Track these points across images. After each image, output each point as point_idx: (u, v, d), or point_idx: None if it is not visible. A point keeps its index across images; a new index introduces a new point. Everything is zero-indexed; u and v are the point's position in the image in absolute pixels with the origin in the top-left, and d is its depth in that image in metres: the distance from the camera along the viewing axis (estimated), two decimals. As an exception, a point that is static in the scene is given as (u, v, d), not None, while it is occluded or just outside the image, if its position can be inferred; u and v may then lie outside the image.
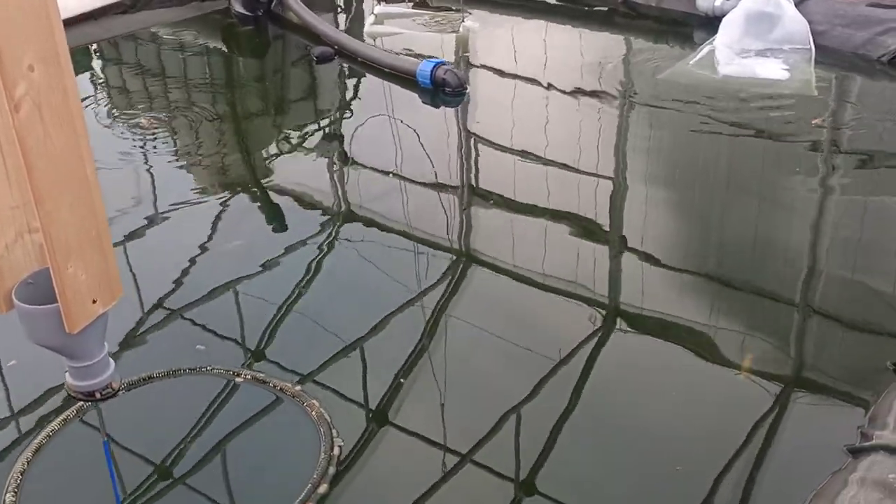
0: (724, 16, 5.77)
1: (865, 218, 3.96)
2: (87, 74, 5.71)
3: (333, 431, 2.56)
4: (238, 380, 2.78)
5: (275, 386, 2.74)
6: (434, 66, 5.12)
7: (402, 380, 2.90)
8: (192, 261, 3.67)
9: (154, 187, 4.33)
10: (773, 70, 5.40)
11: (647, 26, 6.34)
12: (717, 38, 5.68)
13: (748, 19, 5.64)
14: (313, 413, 2.61)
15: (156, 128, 4.79)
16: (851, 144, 4.56)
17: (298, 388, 2.74)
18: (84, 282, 1.85)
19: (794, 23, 5.64)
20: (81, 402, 2.47)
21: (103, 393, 1.94)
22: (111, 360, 1.96)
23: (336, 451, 2.49)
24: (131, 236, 3.86)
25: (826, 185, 4.20)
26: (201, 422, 2.65)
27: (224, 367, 2.83)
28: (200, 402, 2.71)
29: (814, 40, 5.57)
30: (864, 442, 2.37)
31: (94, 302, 1.88)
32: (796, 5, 5.69)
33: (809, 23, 5.62)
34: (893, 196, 4.09)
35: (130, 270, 3.63)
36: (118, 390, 1.98)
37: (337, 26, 6.48)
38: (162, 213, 4.07)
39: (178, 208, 4.08)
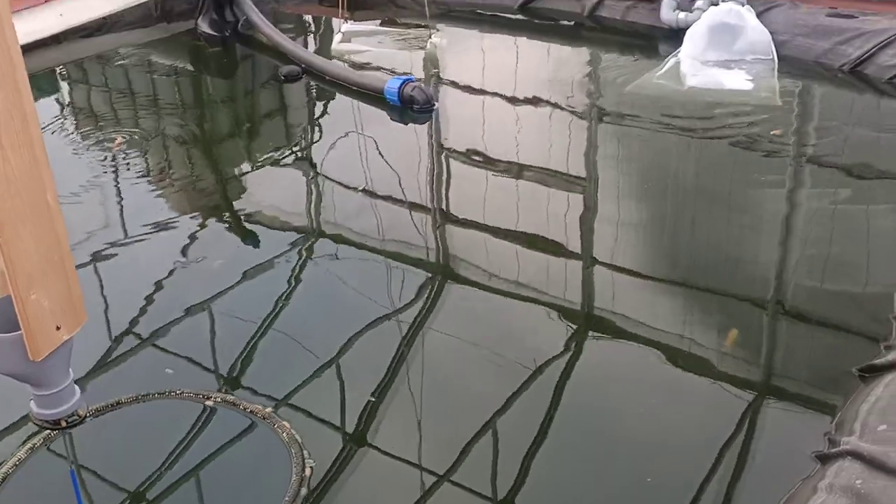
0: (688, 28, 5.84)
1: (833, 224, 4.02)
2: (54, 98, 5.67)
3: (305, 452, 2.55)
4: (208, 403, 2.76)
5: (245, 409, 2.73)
6: (401, 84, 5.13)
7: (371, 398, 2.89)
8: (165, 283, 3.65)
9: (123, 209, 4.31)
10: (737, 80, 5.47)
11: (613, 40, 6.40)
12: (681, 50, 5.75)
13: (712, 31, 5.71)
14: (284, 435, 2.60)
15: (125, 149, 4.77)
16: (817, 152, 4.62)
17: (269, 410, 2.73)
18: (47, 308, 1.83)
19: (757, 33, 5.71)
20: (49, 431, 2.44)
21: (69, 421, 1.92)
22: (77, 388, 1.95)
23: (308, 472, 2.47)
24: (101, 259, 3.83)
25: (793, 192, 4.26)
26: (171, 447, 2.63)
27: (194, 391, 2.82)
28: (170, 427, 2.69)
29: (776, 50, 5.64)
30: (832, 448, 2.39)
31: (58, 329, 1.86)
32: (758, 16, 5.78)
33: (771, 33, 5.70)
34: (859, 202, 4.15)
35: (102, 293, 3.61)
36: (85, 417, 1.97)
37: (305, 45, 6.48)
38: (132, 235, 4.05)
39: (149, 230, 4.06)
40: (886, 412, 2.41)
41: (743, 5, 5.81)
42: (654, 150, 4.82)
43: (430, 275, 3.71)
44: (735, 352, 3.18)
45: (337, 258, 3.87)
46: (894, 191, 4.28)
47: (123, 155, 4.78)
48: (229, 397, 2.79)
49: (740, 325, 3.37)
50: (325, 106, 5.58)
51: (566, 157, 4.70)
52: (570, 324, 3.37)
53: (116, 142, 4.75)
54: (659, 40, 6.12)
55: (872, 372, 2.74)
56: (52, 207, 1.84)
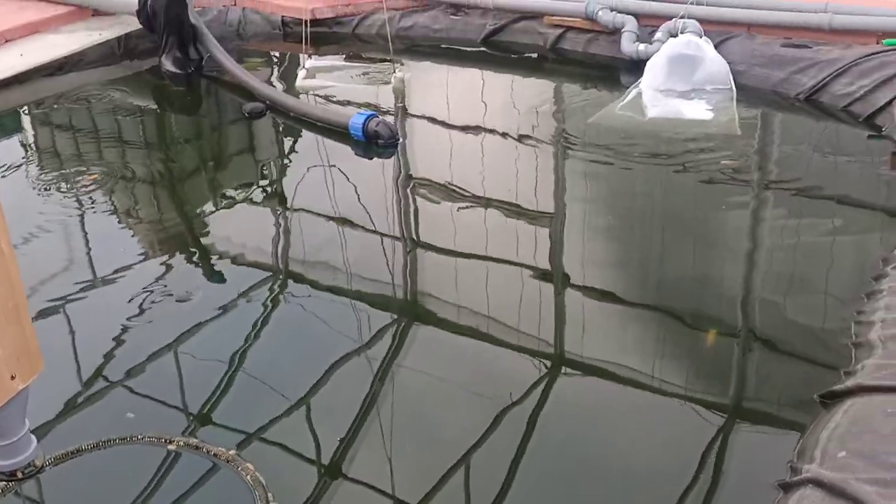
0: (648, 59, 5.93)
1: (797, 249, 4.08)
2: (17, 138, 5.63)
3: (269, 495, 2.53)
4: (170, 447, 2.74)
5: (208, 451, 2.70)
6: (366, 119, 5.16)
7: (339, 439, 2.88)
8: (132, 323, 3.63)
9: (89, 249, 4.27)
10: (697, 110, 5.56)
11: (576, 71, 6.49)
12: (642, 81, 5.84)
13: (671, 62, 5.81)
14: (248, 477, 2.58)
15: (92, 188, 4.74)
16: (778, 178, 4.70)
17: (233, 452, 2.71)
18: (1, 357, 1.82)
19: (715, 64, 5.82)
20: (4, 483, 2.40)
21: (25, 472, 1.89)
22: (33, 437, 1.93)
23: (272, 514, 2.46)
24: (68, 301, 3.80)
25: (756, 218, 4.32)
26: (132, 495, 2.59)
27: (156, 435, 2.79)
28: (131, 474, 2.66)
29: (734, 80, 5.75)
30: (794, 476, 2.42)
31: (13, 378, 1.84)
32: (716, 47, 5.88)
33: (729, 63, 5.81)
34: (821, 226, 4.22)
35: (69, 335, 3.58)
36: (42, 468, 1.94)
37: (270, 81, 6.50)
38: (99, 275, 4.02)
39: (115, 270, 4.03)
40: (845, 439, 2.44)
41: (701, 37, 5.91)
42: (619, 179, 4.88)
43: (399, 310, 3.72)
44: (703, 378, 3.22)
45: (306, 295, 3.86)
46: (854, 215, 4.36)
47: (97, 188, 4.75)
48: (192, 440, 2.76)
49: (707, 351, 3.42)
50: (291, 142, 5.59)
51: (533, 187, 4.75)
52: (542, 355, 3.39)
53: (90, 177, 4.73)
54: (620, 72, 6.21)
55: (833, 398, 2.78)
56: (5, 254, 1.83)
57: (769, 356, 3.44)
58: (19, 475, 1.87)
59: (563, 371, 3.34)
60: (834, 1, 6.00)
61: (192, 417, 3.02)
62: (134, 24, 6.72)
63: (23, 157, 5.27)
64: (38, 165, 5.18)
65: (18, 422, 1.89)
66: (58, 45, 6.59)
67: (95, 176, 4.73)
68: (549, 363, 3.35)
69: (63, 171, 5.05)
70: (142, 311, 3.72)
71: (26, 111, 6.05)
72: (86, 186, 4.76)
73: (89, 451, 2.72)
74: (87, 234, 4.39)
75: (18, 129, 5.82)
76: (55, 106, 6.09)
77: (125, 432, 2.83)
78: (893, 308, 3.15)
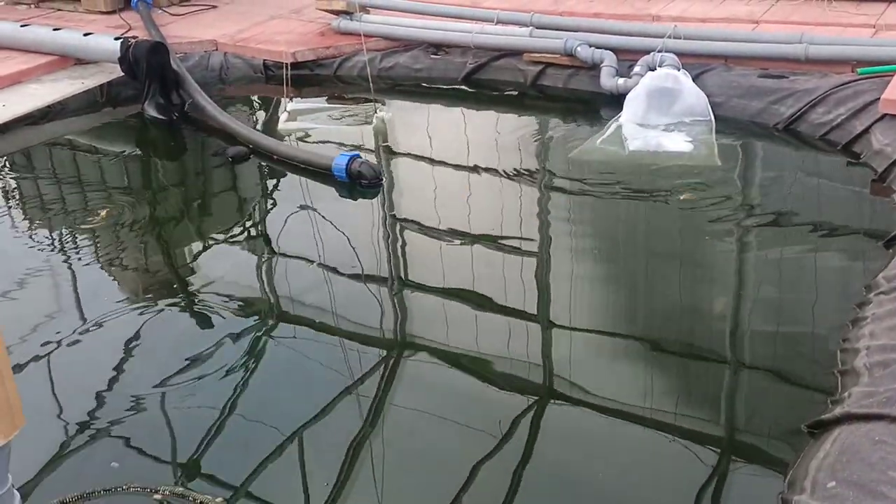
0: (627, 93, 5.99)
1: (781, 277, 4.11)
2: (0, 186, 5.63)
3: (257, 544, 2.51)
4: (156, 497, 2.71)
5: (194, 500, 2.68)
6: (349, 160, 5.18)
7: (328, 483, 2.87)
8: (118, 371, 3.62)
9: (76, 297, 4.26)
10: (677, 143, 5.61)
11: (557, 107, 6.55)
12: (622, 115, 5.89)
13: (650, 95, 5.87)
14: (237, 525, 2.56)
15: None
16: (760, 208, 4.74)
17: (220, 500, 2.69)
18: (-17, 414, 1.80)
19: (693, 96, 5.88)
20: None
21: (8, 528, 1.87)
22: (16, 493, 1.91)
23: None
24: (53, 349, 3.79)
25: (741, 247, 4.36)
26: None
27: (141, 485, 2.76)
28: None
29: (713, 111, 5.81)
30: (784, 508, 2.41)
31: (-5, 434, 1.83)
32: (694, 79, 5.95)
33: (707, 95, 5.87)
34: (804, 254, 4.25)
35: (52, 387, 3.56)
36: (25, 523, 1.92)
37: (254, 125, 6.53)
38: (85, 322, 4.01)
39: (101, 317, 4.03)
40: (835, 468, 2.44)
41: (679, 70, 5.98)
42: (602, 212, 4.92)
43: (388, 349, 3.72)
44: (693, 410, 3.22)
45: (294, 337, 3.86)
46: (836, 243, 4.40)
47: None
48: (178, 489, 2.74)
49: (699, 383, 3.43)
50: (275, 185, 5.60)
51: (518, 223, 4.77)
52: (531, 387, 3.41)
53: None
54: (600, 106, 6.27)
55: (820, 427, 2.78)
56: (-14, 310, 1.82)
57: (757, 385, 3.45)
58: (2, 533, 1.85)
59: (553, 402, 3.35)
60: (809, 31, 6.09)
61: (180, 466, 3.00)
62: (116, 72, 6.75)
63: (5, 205, 5.25)
64: (21, 214, 5.17)
65: (1, 476, 1.88)
66: (40, 94, 6.61)
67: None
68: (538, 396, 3.36)
69: (45, 221, 5.04)
70: (127, 358, 3.71)
71: (9, 161, 6.04)
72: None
73: (74, 503, 2.70)
74: (71, 281, 4.38)
75: (0, 177, 5.81)
76: (39, 155, 6.10)
77: (111, 483, 2.81)
78: (877, 335, 3.17)
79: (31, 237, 4.84)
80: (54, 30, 7.15)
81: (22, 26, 7.26)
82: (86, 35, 6.97)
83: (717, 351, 3.62)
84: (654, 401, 3.31)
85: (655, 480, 2.91)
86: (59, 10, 8.22)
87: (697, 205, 4.75)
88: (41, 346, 3.80)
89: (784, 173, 5.20)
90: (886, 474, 2.33)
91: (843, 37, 6.14)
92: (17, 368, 3.61)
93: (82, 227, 4.89)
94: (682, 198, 4.74)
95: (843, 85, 5.59)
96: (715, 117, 5.78)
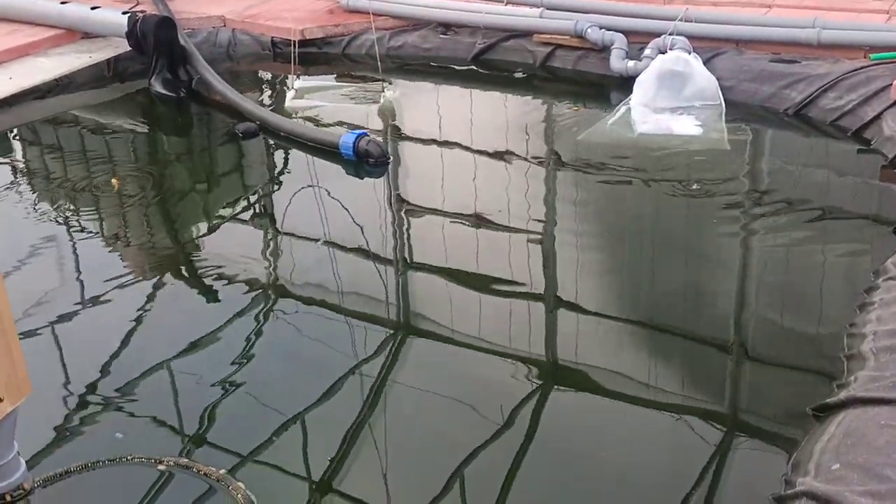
0: (637, 76, 5.95)
1: (789, 263, 4.09)
2: (6, 161, 5.62)
3: (260, 513, 2.52)
4: (160, 467, 2.72)
5: (199, 471, 2.69)
6: (356, 138, 5.16)
7: (330, 458, 2.87)
8: (123, 344, 3.64)
9: (80, 270, 4.26)
10: (687, 126, 5.58)
11: (566, 89, 6.51)
12: (631, 97, 5.86)
13: (660, 78, 5.83)
14: (239, 496, 2.56)
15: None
16: (769, 193, 4.72)
17: (223, 471, 2.70)
18: (-11, 380, 1.80)
19: (704, 79, 5.84)
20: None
21: (14, 495, 1.88)
22: (22, 460, 1.91)
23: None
24: (59, 322, 3.80)
25: (748, 232, 4.34)
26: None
27: (145, 456, 2.77)
28: (121, 495, 2.65)
29: (723, 96, 5.77)
30: (788, 489, 2.41)
31: (1, 401, 1.83)
32: (705, 63, 5.91)
33: (718, 79, 5.84)
34: (813, 239, 4.24)
35: (60, 357, 3.57)
36: (31, 490, 1.93)
37: (261, 102, 6.51)
38: (90, 296, 4.01)
39: (106, 290, 4.03)
40: (839, 451, 2.44)
41: (689, 53, 5.94)
42: (610, 194, 4.90)
43: (392, 328, 3.73)
44: (698, 393, 3.22)
45: (299, 314, 3.86)
46: (845, 229, 4.38)
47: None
48: (182, 460, 2.75)
49: (704, 366, 3.43)
50: (282, 162, 5.59)
51: (525, 205, 4.76)
52: (535, 369, 3.40)
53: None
54: (610, 88, 6.24)
55: (825, 411, 2.77)
56: (-7, 278, 1.82)
57: (763, 369, 3.45)
58: (8, 498, 1.85)
59: (557, 382, 3.35)
60: (822, 16, 6.05)
61: (186, 438, 3.01)
62: (123, 47, 6.73)
63: (12, 180, 5.25)
64: (28, 188, 5.17)
65: (7, 445, 1.88)
66: (47, 68, 6.59)
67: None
68: (543, 375, 3.36)
69: (51, 194, 5.04)
70: (133, 332, 3.71)
71: (16, 135, 6.03)
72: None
73: (78, 473, 2.70)
74: (77, 255, 4.38)
75: (7, 152, 5.80)
76: (45, 129, 6.09)
77: (115, 453, 2.82)
78: (885, 320, 3.16)
79: (35, 211, 4.84)
80: (62, 3, 7.12)
81: (29, -1, 7.23)
82: (93, 9, 6.94)
83: (723, 334, 3.61)
84: (659, 382, 3.31)
85: (659, 461, 2.91)
86: (68, -17, 8.18)
87: (706, 189, 4.73)
88: (47, 318, 3.81)
89: (794, 159, 5.18)
90: (891, 457, 2.33)
91: (856, 22, 6.08)
92: (24, 339, 3.61)
93: (93, 196, 4.88)
94: (693, 187, 4.71)
95: (855, 70, 5.55)
96: (725, 101, 5.74)
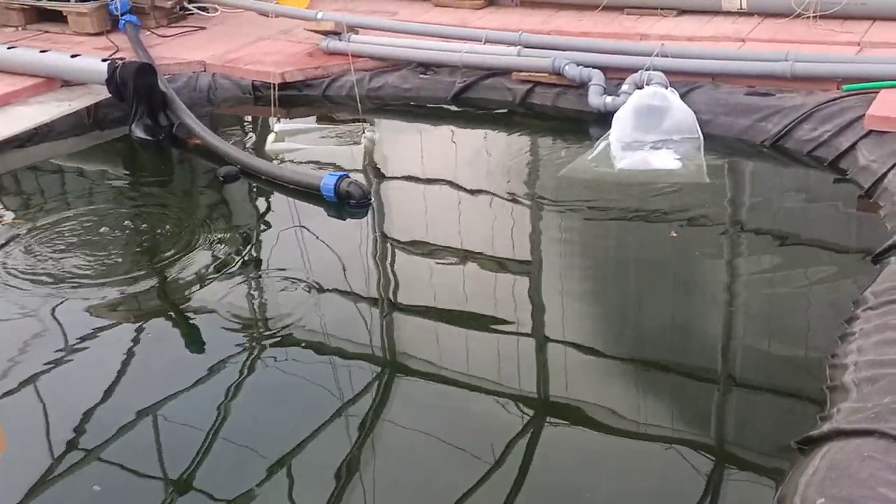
0: (615, 111, 6.01)
1: (771, 293, 4.11)
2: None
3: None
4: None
5: (181, 522, 2.65)
6: (337, 180, 5.18)
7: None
8: (108, 392, 3.63)
9: (63, 318, 4.22)
10: (666, 160, 5.62)
11: (545, 125, 6.56)
12: (610, 133, 5.90)
13: (638, 113, 5.88)
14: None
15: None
16: (750, 224, 4.76)
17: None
18: (-37, 438, 1.78)
19: (681, 113, 5.90)
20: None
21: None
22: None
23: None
24: (43, 371, 3.78)
25: (730, 264, 4.37)
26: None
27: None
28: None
29: (701, 129, 5.83)
30: (774, 524, 2.40)
31: (-25, 458, 1.81)
32: (682, 97, 5.98)
33: (695, 112, 5.90)
34: (793, 270, 4.26)
35: (43, 408, 3.54)
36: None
37: (243, 146, 6.52)
38: (73, 344, 3.99)
39: (90, 338, 4.01)
40: (824, 484, 2.43)
41: (666, 87, 6.01)
42: (593, 230, 4.92)
43: (379, 369, 3.72)
44: (686, 425, 3.22)
45: (283, 358, 3.85)
46: (825, 258, 4.41)
47: (59, 260, 4.71)
48: (165, 512, 2.72)
49: (691, 399, 3.43)
50: (263, 205, 5.59)
51: (510, 242, 4.77)
52: (524, 406, 3.40)
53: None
54: (589, 124, 6.28)
55: (810, 444, 2.77)
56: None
57: (747, 402, 3.45)
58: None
59: (547, 420, 3.34)
60: (795, 49, 6.13)
61: (170, 487, 2.98)
62: (103, 94, 6.74)
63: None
64: (7, 235, 5.13)
65: (-19, 503, 1.85)
66: (27, 116, 6.58)
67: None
68: (533, 414, 3.36)
69: (34, 241, 5.01)
70: (116, 379, 3.69)
71: (-4, 183, 6.02)
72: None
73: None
74: (58, 303, 4.35)
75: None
76: (26, 177, 6.08)
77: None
78: (865, 350, 3.17)
79: (16, 260, 4.80)
80: (41, 52, 7.14)
81: (9, 48, 7.25)
82: (73, 56, 6.96)
83: (708, 367, 3.62)
84: (648, 416, 3.31)
85: (649, 495, 2.90)
86: (47, 31, 8.21)
87: (688, 224, 4.76)
88: (30, 369, 3.78)
89: (772, 190, 5.22)
90: (875, 490, 2.33)
91: (828, 54, 6.18)
92: (6, 393, 3.59)
93: (75, 242, 4.87)
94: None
95: (828, 102, 5.62)
96: (703, 134, 5.80)
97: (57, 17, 8.21)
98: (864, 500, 2.30)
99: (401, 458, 3.18)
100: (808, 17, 6.92)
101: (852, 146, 5.28)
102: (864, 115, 5.30)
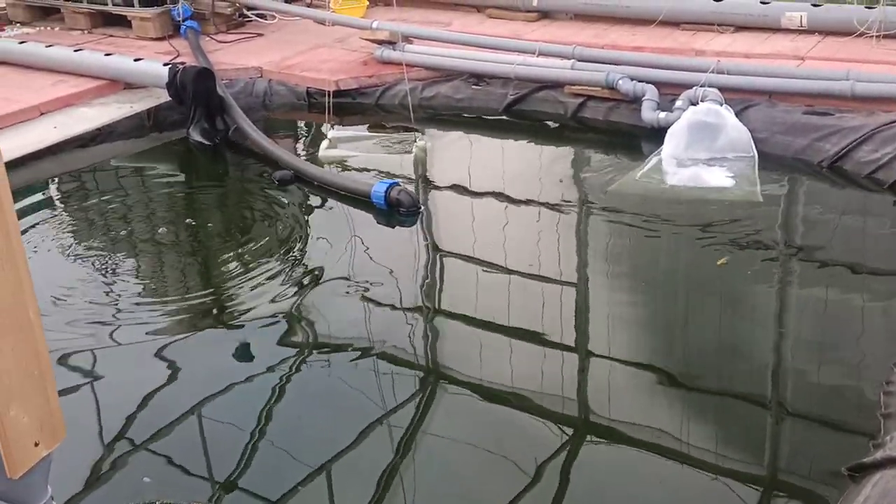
0: (668, 127, 5.97)
1: (825, 319, 4.04)
2: (48, 209, 5.73)
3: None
4: (188, 515, 2.73)
5: (227, 519, 2.69)
6: (388, 187, 5.21)
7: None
8: (156, 391, 3.67)
9: (116, 316, 4.31)
10: (718, 178, 5.57)
11: (597, 139, 6.54)
12: (663, 149, 5.86)
13: (691, 130, 5.84)
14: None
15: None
16: (804, 246, 4.69)
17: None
18: (26, 424, 1.83)
19: (736, 131, 5.84)
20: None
21: (45, 540, 1.89)
22: (54, 505, 1.93)
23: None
24: (93, 366, 3.87)
25: (783, 285, 4.30)
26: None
27: (174, 501, 2.79)
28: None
29: (756, 147, 5.76)
30: (825, 550, 2.36)
31: (37, 445, 1.86)
32: (737, 115, 5.92)
33: (750, 131, 5.83)
34: (849, 294, 4.19)
35: (95, 402, 3.62)
36: (62, 536, 1.94)
37: (295, 151, 6.60)
38: (124, 342, 4.07)
39: (142, 337, 4.08)
40: (877, 512, 2.39)
41: (721, 104, 5.95)
42: (642, 246, 4.88)
43: (423, 378, 3.72)
44: (732, 450, 3.17)
45: (330, 363, 3.88)
46: (882, 283, 4.32)
47: (114, 265, 4.81)
48: (209, 508, 2.76)
49: (739, 422, 3.38)
50: (314, 210, 5.65)
51: (556, 255, 4.76)
52: (567, 422, 3.38)
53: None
54: (641, 139, 6.25)
55: (861, 471, 2.72)
56: (33, 323, 1.86)
57: (798, 427, 3.39)
58: (39, 544, 1.87)
59: (589, 437, 3.32)
60: (856, 68, 6.04)
61: (217, 485, 3.02)
62: (163, 97, 6.88)
63: (52, 227, 5.35)
64: (69, 234, 5.26)
65: (41, 489, 1.90)
66: (90, 117, 6.75)
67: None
68: (575, 430, 3.33)
69: (90, 241, 5.12)
70: (165, 379, 3.75)
71: (58, 182, 6.17)
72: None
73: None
74: (114, 302, 4.44)
75: (50, 199, 5.93)
76: (86, 176, 6.23)
77: (144, 498, 2.84)
78: (922, 377, 3.10)
79: (75, 257, 4.92)
80: (105, 55, 7.31)
81: (75, 51, 7.44)
82: (136, 60, 7.12)
83: (758, 391, 3.56)
84: (693, 439, 3.26)
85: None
86: (111, 35, 8.42)
87: (740, 245, 4.70)
88: (81, 363, 3.86)
89: (829, 212, 5.13)
90: (930, 519, 2.27)
91: (890, 74, 6.07)
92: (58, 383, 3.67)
93: (131, 243, 4.97)
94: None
95: (890, 123, 5.52)
96: (758, 153, 5.73)
97: (121, 22, 8.41)
98: (917, 529, 2.25)
99: (441, 468, 3.18)
100: (871, 37, 6.81)
101: (913, 169, 5.18)
102: (925, 137, 5.21)
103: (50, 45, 7.60)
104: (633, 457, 3.20)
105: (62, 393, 3.57)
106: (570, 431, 3.33)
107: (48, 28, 8.79)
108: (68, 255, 4.92)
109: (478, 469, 3.15)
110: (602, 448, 3.29)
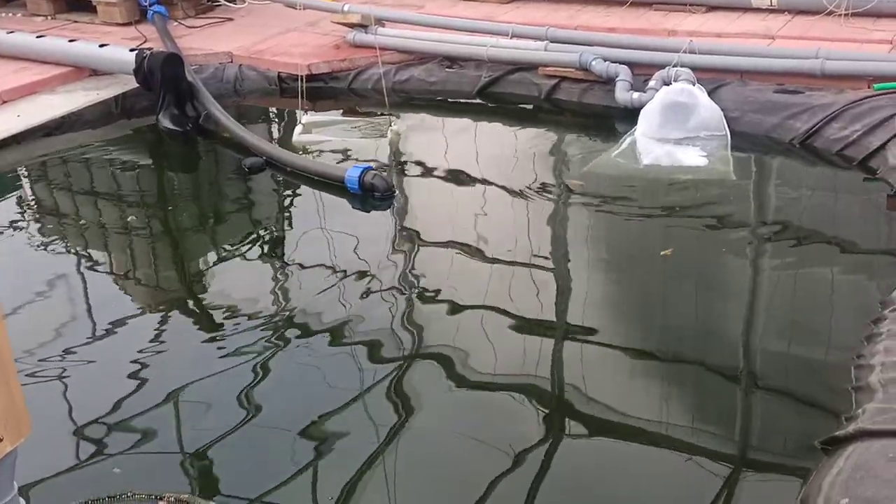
0: (642, 107, 5.97)
1: (796, 294, 4.07)
2: (15, 198, 5.65)
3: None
4: (160, 503, 2.71)
5: (201, 508, 2.68)
6: (361, 172, 5.18)
7: (340, 489, 2.86)
8: (130, 379, 3.65)
9: (88, 306, 4.27)
10: (692, 157, 5.59)
11: (571, 121, 6.53)
12: (637, 128, 5.87)
13: (665, 110, 5.84)
14: (242, 535, 2.54)
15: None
16: (776, 222, 4.72)
17: (225, 509, 2.69)
18: (-11, 419, 1.80)
19: (709, 111, 5.85)
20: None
21: (13, 535, 1.87)
22: (22, 501, 1.90)
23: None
24: (64, 356, 3.82)
25: (755, 262, 4.32)
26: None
27: (146, 492, 2.77)
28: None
29: (728, 126, 5.78)
30: (798, 525, 2.38)
31: (1, 440, 1.83)
32: (709, 94, 5.93)
33: (723, 110, 5.84)
34: (820, 269, 4.22)
35: (65, 393, 3.58)
36: (30, 530, 1.91)
37: (270, 137, 6.54)
38: (98, 332, 4.03)
39: (114, 326, 4.05)
40: (848, 485, 2.41)
41: (694, 84, 5.96)
42: (617, 226, 4.89)
43: (400, 360, 3.72)
44: (707, 424, 3.19)
45: (306, 346, 3.86)
46: (852, 258, 4.36)
47: (86, 252, 4.76)
48: (183, 496, 2.74)
49: (710, 397, 3.41)
50: (288, 196, 5.61)
51: (533, 237, 4.76)
52: (545, 403, 3.40)
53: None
54: (615, 120, 6.25)
55: (834, 444, 2.74)
56: (-7, 316, 1.82)
57: (771, 402, 3.41)
58: (6, 539, 1.84)
59: (566, 420, 3.34)
60: (825, 47, 6.06)
61: (187, 474, 3.00)
62: (131, 84, 6.78)
63: (19, 218, 5.28)
64: (35, 225, 5.19)
65: (7, 484, 1.87)
66: (55, 105, 6.65)
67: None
68: (552, 412, 3.35)
69: (59, 230, 5.06)
70: (138, 368, 3.72)
71: (24, 172, 6.08)
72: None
73: (79, 512, 2.69)
74: (85, 291, 4.39)
75: (16, 189, 5.84)
76: (53, 165, 6.14)
77: (115, 490, 2.82)
78: (892, 351, 3.13)
79: (44, 248, 4.86)
80: (70, 41, 7.20)
81: (38, 37, 7.32)
82: (101, 46, 7.01)
83: (731, 366, 3.59)
84: (667, 416, 3.28)
85: (668, 495, 2.89)
86: (76, 21, 8.28)
87: (717, 220, 4.72)
88: (54, 353, 3.82)
89: (800, 189, 5.17)
90: (902, 492, 2.30)
91: (859, 52, 6.11)
92: (30, 377, 3.63)
93: (101, 232, 4.91)
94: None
95: (859, 101, 5.56)
96: (730, 132, 5.74)
97: (86, 7, 8.28)
98: (888, 500, 2.27)
99: (421, 449, 3.19)
100: (840, 15, 6.84)
101: (882, 146, 5.21)
102: (894, 114, 5.24)
103: (11, 32, 7.46)
104: (612, 436, 3.21)
105: (31, 383, 3.55)
106: (549, 412, 3.35)
107: (10, 14, 8.63)
108: (36, 246, 4.85)
109: (458, 453, 3.15)
110: (581, 428, 3.30)
